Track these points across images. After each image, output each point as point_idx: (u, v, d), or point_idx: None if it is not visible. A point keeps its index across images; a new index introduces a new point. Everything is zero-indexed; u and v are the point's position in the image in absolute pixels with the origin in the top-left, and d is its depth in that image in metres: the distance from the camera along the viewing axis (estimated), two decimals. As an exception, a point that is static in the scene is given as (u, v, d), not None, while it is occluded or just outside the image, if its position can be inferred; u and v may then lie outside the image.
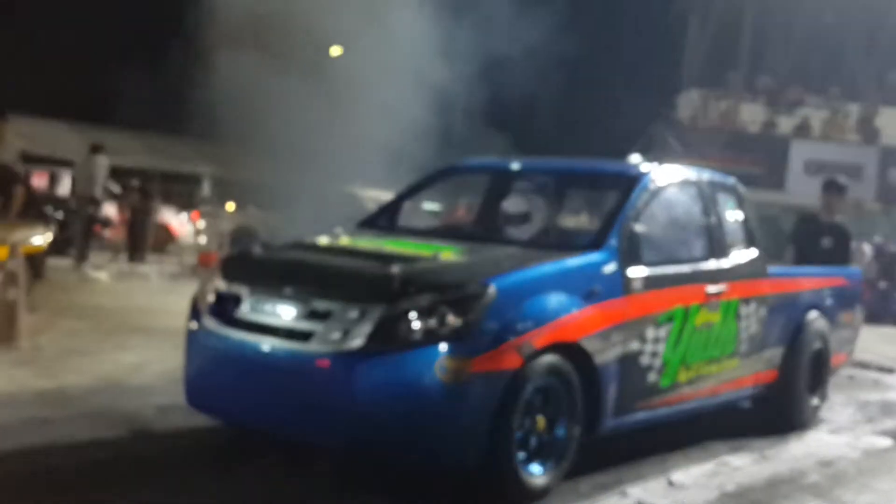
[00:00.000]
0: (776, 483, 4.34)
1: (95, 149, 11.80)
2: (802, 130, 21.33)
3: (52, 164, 16.95)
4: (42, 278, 7.56)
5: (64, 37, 21.91)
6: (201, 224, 13.77)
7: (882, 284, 14.76)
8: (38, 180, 14.59)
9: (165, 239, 14.72)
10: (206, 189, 13.16)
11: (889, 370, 8.49)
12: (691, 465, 4.49)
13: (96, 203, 11.53)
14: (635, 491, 3.98)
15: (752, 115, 21.98)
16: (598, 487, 3.98)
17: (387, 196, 6.04)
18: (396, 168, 8.91)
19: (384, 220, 5.07)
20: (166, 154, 17.79)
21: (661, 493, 4.02)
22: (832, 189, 6.93)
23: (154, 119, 20.36)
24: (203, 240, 13.10)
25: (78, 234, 11.30)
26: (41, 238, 7.09)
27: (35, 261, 7.14)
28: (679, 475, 4.29)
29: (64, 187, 14.74)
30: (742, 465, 4.58)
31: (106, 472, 3.69)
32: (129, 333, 6.90)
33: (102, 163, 11.59)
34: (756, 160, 19.87)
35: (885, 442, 5.52)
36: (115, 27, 22.57)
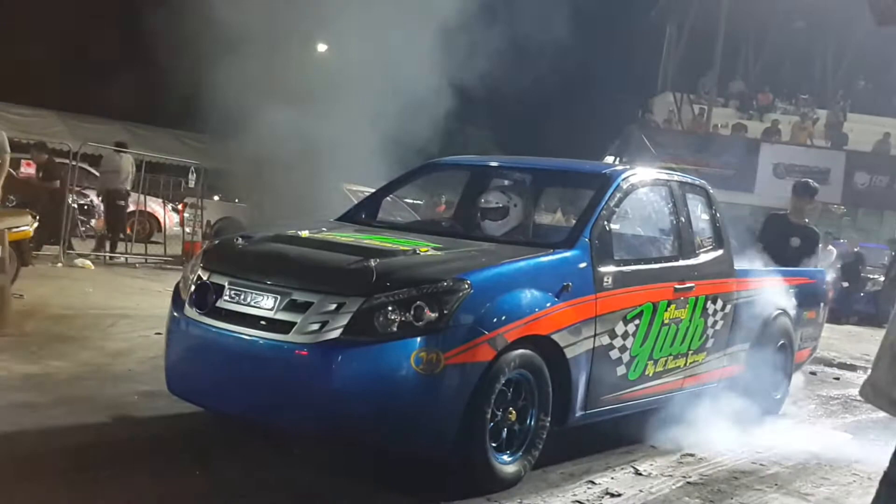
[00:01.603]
0: (738, 474, 4.50)
1: (120, 146, 12.80)
2: (772, 134, 21.70)
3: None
4: (28, 265, 7.61)
5: (55, 27, 21.74)
6: (187, 214, 13.86)
7: (844, 284, 15.16)
8: (27, 168, 14.62)
9: (151, 228, 14.80)
10: (192, 180, 13.17)
11: (850, 367, 8.76)
12: (657, 456, 4.64)
13: (125, 196, 12.29)
14: (603, 480, 4.12)
15: (723, 118, 22.33)
16: (568, 477, 4.11)
17: (370, 190, 6.14)
18: (382, 163, 8.99)
19: (364, 214, 5.16)
20: (154, 145, 17.83)
21: (628, 482, 4.15)
22: (802, 192, 7.08)
23: (143, 110, 20.36)
24: (188, 230, 13.18)
25: (112, 225, 12.22)
26: (27, 225, 7.14)
27: (22, 248, 7.18)
28: (645, 465, 4.44)
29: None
30: (706, 456, 4.73)
31: (88, 456, 3.74)
32: (114, 320, 6.93)
33: (129, 159, 12.50)
34: (727, 163, 20.19)
35: (845, 436, 5.71)
36: (104, 18, 22.42)
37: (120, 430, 4.18)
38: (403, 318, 3.51)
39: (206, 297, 3.87)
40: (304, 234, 4.27)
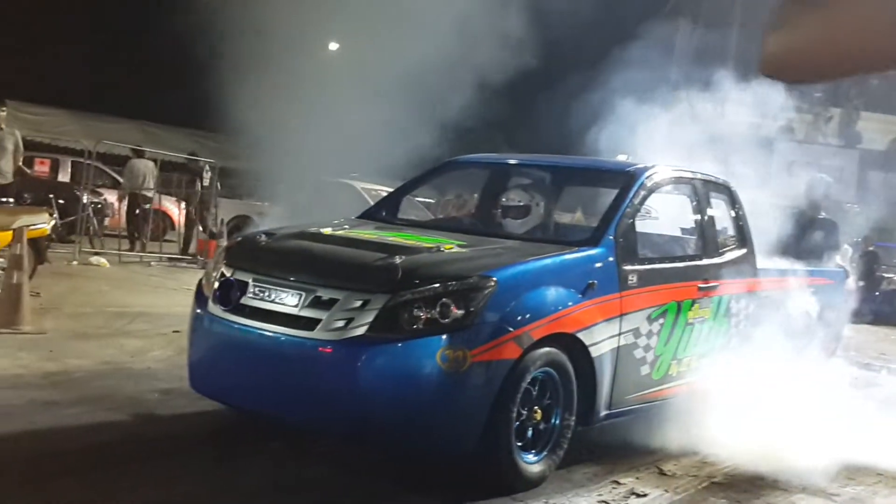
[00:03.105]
0: (763, 474, 4.44)
1: (139, 153, 13.39)
2: (786, 133, 21.59)
3: (54, 151, 17.07)
4: (46, 263, 7.63)
5: (66, 26, 21.85)
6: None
7: (860, 283, 15.06)
8: (40, 167, 14.77)
9: (165, 227, 14.91)
10: (206, 179, 13.26)
11: (867, 366, 8.68)
12: (681, 456, 4.58)
13: (149, 200, 12.83)
14: (628, 480, 4.08)
15: (737, 117, 22.21)
16: (592, 477, 4.07)
17: (383, 189, 6.13)
18: (393, 162, 8.99)
19: (385, 212, 5.13)
20: (168, 144, 17.86)
21: (653, 482, 4.12)
22: (815, 186, 7.19)
23: (156, 109, 20.41)
24: (201, 228, 13.26)
25: (135, 224, 12.78)
26: (45, 223, 7.16)
27: (39, 245, 7.20)
28: (670, 466, 4.40)
29: (65, 174, 15.06)
30: (730, 456, 4.67)
31: (109, 454, 3.73)
32: (132, 318, 6.94)
33: (150, 164, 13.06)
34: (742, 160, 20.07)
35: (869, 435, 5.64)
36: (114, 20, 22.55)
37: (140, 428, 4.16)
38: (429, 315, 3.48)
39: (229, 294, 3.85)
40: (327, 231, 4.24)
